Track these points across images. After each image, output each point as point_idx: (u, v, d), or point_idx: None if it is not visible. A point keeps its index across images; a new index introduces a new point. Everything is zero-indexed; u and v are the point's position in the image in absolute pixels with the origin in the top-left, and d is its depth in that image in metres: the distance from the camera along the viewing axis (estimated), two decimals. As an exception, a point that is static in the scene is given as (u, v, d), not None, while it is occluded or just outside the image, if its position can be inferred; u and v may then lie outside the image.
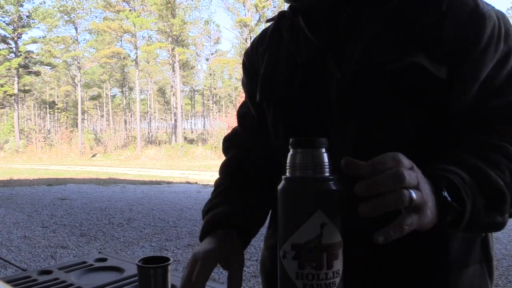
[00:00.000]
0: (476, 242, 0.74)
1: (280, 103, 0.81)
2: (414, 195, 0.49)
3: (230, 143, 1.02)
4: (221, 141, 1.05)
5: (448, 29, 0.67)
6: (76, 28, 36.10)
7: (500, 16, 0.70)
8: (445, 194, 0.54)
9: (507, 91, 0.67)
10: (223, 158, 1.02)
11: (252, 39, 0.97)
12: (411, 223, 0.49)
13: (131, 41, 34.34)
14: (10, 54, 33.87)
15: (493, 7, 0.70)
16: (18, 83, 34.12)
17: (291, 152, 0.54)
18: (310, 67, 0.76)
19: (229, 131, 1.04)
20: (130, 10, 33.08)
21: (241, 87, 1.02)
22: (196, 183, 12.44)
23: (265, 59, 0.86)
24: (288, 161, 0.54)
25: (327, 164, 0.53)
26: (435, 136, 0.70)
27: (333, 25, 0.75)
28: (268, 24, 0.92)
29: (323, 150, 0.53)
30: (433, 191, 0.53)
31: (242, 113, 1.00)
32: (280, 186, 0.54)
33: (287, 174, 0.54)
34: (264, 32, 0.92)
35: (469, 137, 0.67)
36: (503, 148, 0.62)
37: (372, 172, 0.48)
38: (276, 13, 0.89)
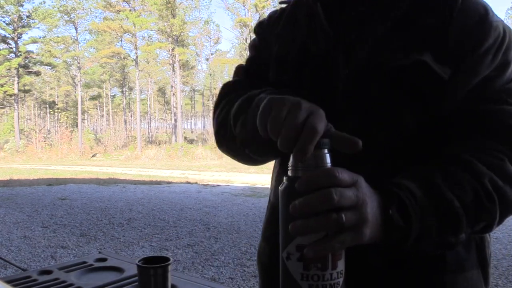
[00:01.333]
0: (471, 246, 0.74)
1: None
2: (344, 217, 0.49)
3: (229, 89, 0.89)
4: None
5: (455, 33, 0.68)
6: (76, 28, 36.11)
7: (508, 30, 0.71)
8: (391, 213, 0.54)
9: (493, 101, 0.67)
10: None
11: (270, 12, 0.94)
12: (343, 241, 0.50)
13: (131, 41, 34.34)
14: (10, 54, 33.89)
15: (502, 20, 0.71)
16: (18, 83, 34.13)
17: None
18: (322, 59, 0.76)
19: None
20: (130, 10, 33.09)
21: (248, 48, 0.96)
22: (196, 183, 12.45)
23: (278, 43, 0.84)
24: (290, 161, 0.54)
25: (330, 164, 0.53)
26: (435, 136, 0.70)
27: (347, 19, 0.75)
28: (282, 6, 0.90)
29: (326, 151, 0.53)
30: (381, 207, 0.54)
31: (247, 67, 0.92)
32: (282, 187, 0.54)
33: (290, 174, 0.54)
34: (281, 13, 0.89)
35: (447, 145, 0.68)
36: (471, 164, 0.62)
37: (306, 189, 0.49)
38: None
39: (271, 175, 0.92)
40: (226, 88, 0.89)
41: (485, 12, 0.69)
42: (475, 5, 0.70)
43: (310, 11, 0.80)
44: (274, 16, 0.90)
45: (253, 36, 0.97)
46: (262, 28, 0.92)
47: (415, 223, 0.55)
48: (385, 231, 0.54)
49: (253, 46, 0.93)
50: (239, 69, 0.93)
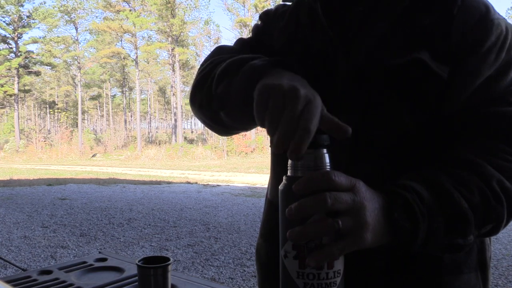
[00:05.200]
0: (472, 249, 0.73)
1: None
2: (340, 223, 0.49)
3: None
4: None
5: (456, 31, 0.67)
6: (76, 28, 36.18)
7: (510, 28, 0.70)
8: (397, 215, 0.53)
9: (499, 102, 0.67)
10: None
11: (278, 4, 0.93)
12: (343, 248, 0.49)
13: (131, 41, 34.38)
14: (10, 54, 33.95)
15: (504, 18, 0.71)
16: (18, 83, 34.17)
17: None
18: (323, 58, 0.76)
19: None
20: (130, 10, 33.11)
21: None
22: (196, 183, 12.45)
23: (280, 38, 0.85)
24: (289, 161, 0.54)
25: (329, 164, 0.53)
26: (438, 136, 0.69)
27: (346, 18, 0.75)
28: (286, 3, 0.90)
29: (325, 150, 0.53)
30: (385, 210, 0.53)
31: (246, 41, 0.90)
32: (281, 186, 0.54)
33: (289, 173, 0.54)
34: (285, 10, 0.89)
35: (451, 147, 0.67)
36: (478, 166, 0.61)
37: (302, 192, 0.49)
38: None
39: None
40: (218, 50, 0.88)
41: (486, 10, 0.68)
42: (476, 3, 0.69)
43: (311, 10, 0.80)
44: (281, 10, 0.90)
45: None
46: (267, 16, 0.92)
47: (422, 224, 0.54)
48: (391, 234, 0.54)
49: (255, 29, 0.93)
50: (238, 40, 0.92)
